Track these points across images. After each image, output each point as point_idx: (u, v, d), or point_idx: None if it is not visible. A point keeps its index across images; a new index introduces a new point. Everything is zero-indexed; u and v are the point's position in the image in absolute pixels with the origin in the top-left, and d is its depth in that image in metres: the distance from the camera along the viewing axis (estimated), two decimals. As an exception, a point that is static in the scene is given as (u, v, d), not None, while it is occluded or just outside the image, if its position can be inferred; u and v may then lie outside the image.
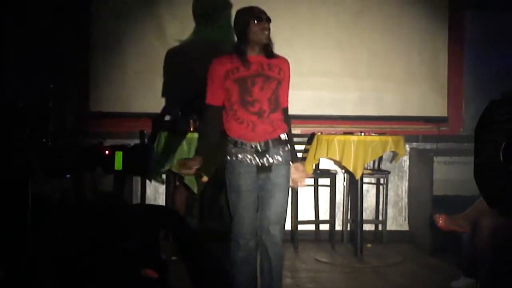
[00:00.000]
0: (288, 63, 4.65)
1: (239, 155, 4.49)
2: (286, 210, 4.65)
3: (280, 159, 4.51)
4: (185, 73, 7.28)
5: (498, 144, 4.55)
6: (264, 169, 4.48)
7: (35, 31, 7.19)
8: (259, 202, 4.54)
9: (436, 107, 7.59)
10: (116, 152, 2.85)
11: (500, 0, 7.50)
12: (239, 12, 4.61)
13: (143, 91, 7.45)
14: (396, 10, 7.57)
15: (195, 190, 6.47)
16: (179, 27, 7.42)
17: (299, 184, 4.76)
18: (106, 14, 7.43)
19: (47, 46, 7.22)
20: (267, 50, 4.51)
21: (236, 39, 4.56)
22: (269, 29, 4.48)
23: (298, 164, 4.70)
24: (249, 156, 4.48)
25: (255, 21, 4.43)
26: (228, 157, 4.54)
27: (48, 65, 7.20)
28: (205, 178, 4.85)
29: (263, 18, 4.46)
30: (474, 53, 7.53)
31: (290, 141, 4.64)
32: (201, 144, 4.75)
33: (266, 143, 4.48)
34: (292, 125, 4.71)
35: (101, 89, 7.45)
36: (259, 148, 4.47)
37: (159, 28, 7.43)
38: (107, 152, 2.87)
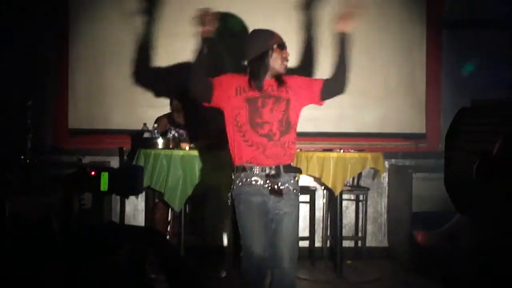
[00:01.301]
0: (292, 76, 4.51)
1: (249, 179, 4.30)
2: (298, 241, 4.55)
3: (290, 187, 4.36)
4: (164, 90, 7.30)
5: (467, 151, 4.58)
6: (276, 192, 4.30)
7: (14, 47, 7.19)
8: (269, 231, 4.34)
9: (415, 123, 7.67)
10: (102, 173, 2.84)
11: (475, 17, 7.60)
12: (257, 33, 4.49)
13: (122, 108, 7.45)
14: (374, 28, 7.61)
15: (175, 206, 6.46)
16: (159, 45, 7.43)
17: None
18: (86, 31, 7.43)
19: (26, 63, 7.22)
20: (279, 76, 4.39)
21: (247, 61, 4.42)
22: (287, 56, 4.40)
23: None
24: (259, 180, 4.29)
25: (279, 48, 4.36)
26: (236, 183, 4.35)
27: (27, 81, 7.19)
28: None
29: (285, 46, 4.38)
30: (451, 69, 7.62)
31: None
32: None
33: (277, 167, 4.31)
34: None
35: (80, 106, 7.45)
36: (269, 172, 4.29)
37: (139, 46, 7.43)
38: (93, 173, 2.85)
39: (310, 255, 7.26)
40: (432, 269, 6.10)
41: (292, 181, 4.39)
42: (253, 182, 4.28)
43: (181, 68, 7.28)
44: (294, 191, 4.40)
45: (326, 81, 4.52)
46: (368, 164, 6.76)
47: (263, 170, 4.28)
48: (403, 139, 7.64)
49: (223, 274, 6.62)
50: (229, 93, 4.32)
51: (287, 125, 4.37)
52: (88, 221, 2.96)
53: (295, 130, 4.46)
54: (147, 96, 7.42)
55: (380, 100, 7.67)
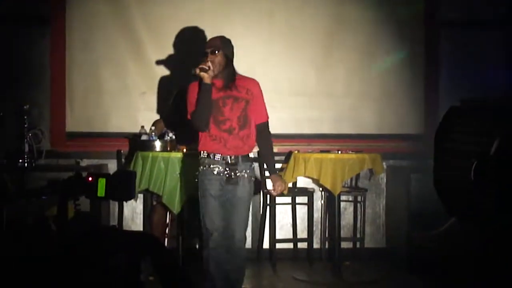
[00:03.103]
0: (257, 83, 5.20)
1: (211, 165, 5.03)
2: (248, 221, 5.19)
3: (245, 175, 5.07)
4: (161, 94, 7.33)
5: (457, 152, 4.59)
6: (231, 181, 5.03)
7: (11, 51, 7.21)
8: (225, 210, 5.06)
9: (413, 124, 7.69)
10: (99, 179, 2.88)
11: (473, 17, 7.63)
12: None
13: (119, 111, 7.48)
14: (372, 29, 7.67)
15: (174, 209, 6.47)
16: (156, 49, 7.46)
17: (277, 191, 5.26)
18: (83, 35, 7.46)
19: (23, 67, 7.25)
20: (230, 74, 5.10)
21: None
22: (211, 60, 4.99)
23: (274, 177, 5.29)
24: (220, 167, 5.02)
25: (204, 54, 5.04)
26: (201, 167, 5.07)
27: (24, 85, 7.22)
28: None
29: (206, 52, 5.03)
30: (450, 70, 7.63)
31: (270, 153, 5.34)
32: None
33: (236, 157, 5.04)
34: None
35: (77, 109, 7.48)
36: (229, 161, 5.02)
37: (135, 51, 7.48)
38: (90, 178, 2.89)
39: (308, 256, 7.33)
40: (431, 270, 6.12)
41: (248, 170, 5.11)
42: (214, 171, 5.01)
43: (176, 72, 7.31)
44: (252, 178, 5.13)
45: (260, 124, 5.23)
46: (366, 165, 6.80)
47: (224, 158, 5.02)
48: (401, 140, 7.66)
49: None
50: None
51: (245, 120, 5.07)
52: (85, 225, 2.97)
53: (252, 125, 5.14)
54: (144, 99, 7.46)
55: (378, 101, 7.71)
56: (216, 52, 5.02)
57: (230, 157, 5.02)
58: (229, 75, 5.09)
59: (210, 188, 5.03)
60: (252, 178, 5.16)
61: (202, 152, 5.09)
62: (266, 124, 5.24)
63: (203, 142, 5.09)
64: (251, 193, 5.18)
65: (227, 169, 5.02)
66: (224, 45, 5.11)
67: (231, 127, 5.02)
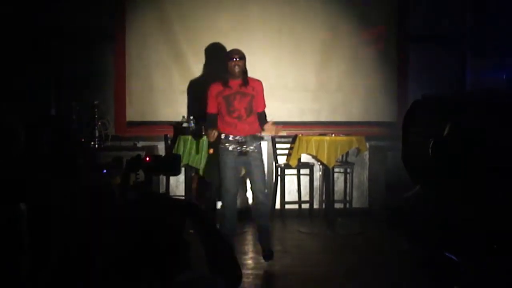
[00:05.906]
0: (261, 83, 5.46)
1: (226, 144, 5.34)
2: (265, 180, 5.48)
3: (254, 148, 5.36)
4: (198, 92, 7.40)
5: (419, 134, 4.63)
6: (242, 154, 5.32)
7: (86, 63, 7.31)
8: (247, 177, 5.47)
9: (389, 114, 7.69)
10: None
11: (433, 33, 7.65)
12: (225, 53, 5.67)
13: (166, 105, 7.52)
14: (357, 41, 7.67)
15: (207, 178, 6.56)
16: (193, 57, 7.52)
17: (273, 133, 5.74)
18: (139, 48, 7.51)
19: (94, 73, 7.35)
20: (243, 76, 5.35)
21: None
22: (240, 64, 5.30)
23: (267, 125, 5.41)
24: (232, 145, 5.32)
25: (231, 60, 5.31)
26: (220, 145, 5.38)
27: (95, 86, 7.32)
28: (211, 150, 5.62)
29: (236, 58, 5.30)
30: (416, 73, 7.63)
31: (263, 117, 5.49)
32: (211, 127, 5.37)
33: (245, 137, 5.33)
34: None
35: (135, 103, 7.53)
36: (239, 140, 5.32)
37: (177, 58, 7.52)
38: (147, 158, 3.01)
39: (310, 214, 7.41)
40: (402, 224, 6.14)
41: (255, 145, 5.37)
42: (229, 147, 5.33)
43: (208, 75, 7.37)
44: (256, 151, 5.38)
45: (260, 112, 5.48)
46: (353, 145, 6.82)
47: (235, 138, 5.33)
48: (380, 126, 7.64)
49: (244, 229, 6.79)
50: (215, 98, 5.37)
51: (250, 110, 5.37)
52: (142, 192, 3.04)
53: (256, 114, 5.42)
54: (185, 95, 7.54)
55: (363, 96, 7.71)
56: (243, 58, 5.33)
57: (240, 137, 5.31)
58: (245, 78, 5.37)
59: (227, 161, 5.33)
60: (258, 151, 5.40)
61: (220, 133, 5.34)
62: (263, 112, 5.49)
63: (220, 126, 5.37)
64: (262, 161, 5.45)
65: (238, 146, 5.31)
66: (244, 56, 5.38)
67: (240, 115, 5.32)
